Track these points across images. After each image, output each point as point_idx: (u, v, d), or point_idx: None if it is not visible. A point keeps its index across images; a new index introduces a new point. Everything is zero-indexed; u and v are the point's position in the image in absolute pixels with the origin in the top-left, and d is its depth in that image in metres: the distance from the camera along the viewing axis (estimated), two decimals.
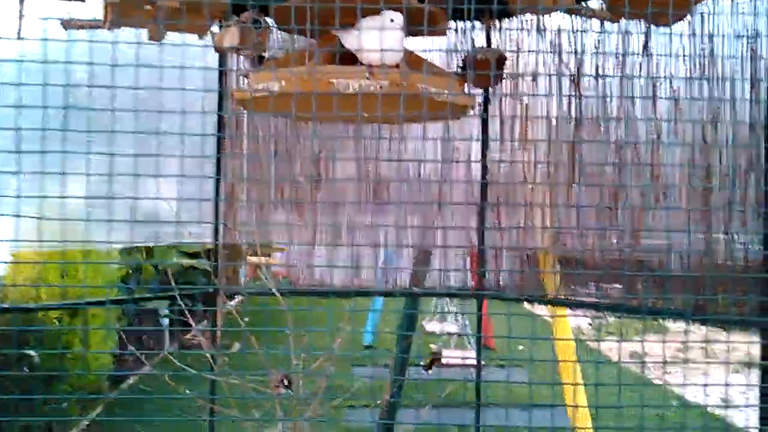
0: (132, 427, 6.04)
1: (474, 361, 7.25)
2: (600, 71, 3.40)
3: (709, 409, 6.83)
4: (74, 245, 5.21)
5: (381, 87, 2.20)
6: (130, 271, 8.38)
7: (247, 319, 3.51)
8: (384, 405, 5.69)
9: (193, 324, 3.64)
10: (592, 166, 3.43)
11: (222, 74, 3.41)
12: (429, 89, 2.29)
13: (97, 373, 6.71)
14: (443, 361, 7.85)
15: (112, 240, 3.93)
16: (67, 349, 6.09)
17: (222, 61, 3.41)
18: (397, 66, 2.28)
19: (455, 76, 2.70)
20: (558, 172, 3.45)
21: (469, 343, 9.09)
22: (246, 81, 2.64)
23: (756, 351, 3.55)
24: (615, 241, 3.39)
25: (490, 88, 3.42)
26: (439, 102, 2.37)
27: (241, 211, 3.61)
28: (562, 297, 3.81)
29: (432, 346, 8.50)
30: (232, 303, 9.53)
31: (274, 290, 3.16)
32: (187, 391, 3.53)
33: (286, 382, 2.84)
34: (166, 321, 8.71)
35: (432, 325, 9.66)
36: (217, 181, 3.36)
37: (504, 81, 3.38)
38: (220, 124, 3.37)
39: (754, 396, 3.27)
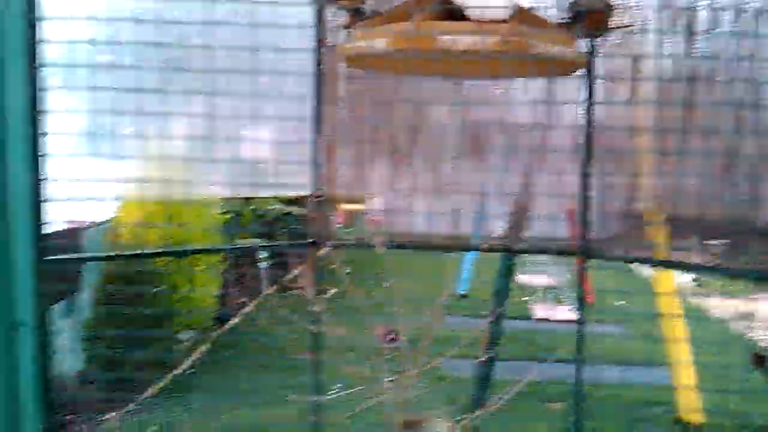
0: (235, 368, 6.34)
1: (572, 316, 7.14)
2: (715, 26, 3.14)
3: None
4: (178, 193, 5.44)
5: (490, 44, 2.10)
6: (230, 218, 8.66)
7: (348, 271, 3.55)
8: (482, 357, 5.68)
9: (291, 269, 3.71)
10: (706, 120, 3.20)
11: (319, 29, 3.37)
12: (541, 47, 2.17)
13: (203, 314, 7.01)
14: (546, 314, 7.76)
15: (216, 190, 4.05)
16: (174, 290, 6.39)
17: (319, 16, 3.37)
18: (505, 21, 2.17)
19: (564, 30, 2.56)
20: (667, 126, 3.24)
21: (560, 298, 8.94)
22: (348, 35, 2.59)
23: None
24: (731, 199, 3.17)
25: (597, 42, 3.24)
26: (549, 59, 2.25)
27: (341, 166, 3.60)
28: (668, 259, 3.64)
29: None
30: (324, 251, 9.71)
31: (376, 242, 3.17)
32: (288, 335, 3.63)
33: (393, 336, 2.85)
34: (264, 265, 8.96)
35: (525, 278, 9.54)
36: (317, 134, 3.36)
37: (611, 34, 3.18)
38: (319, 79, 3.36)
39: None
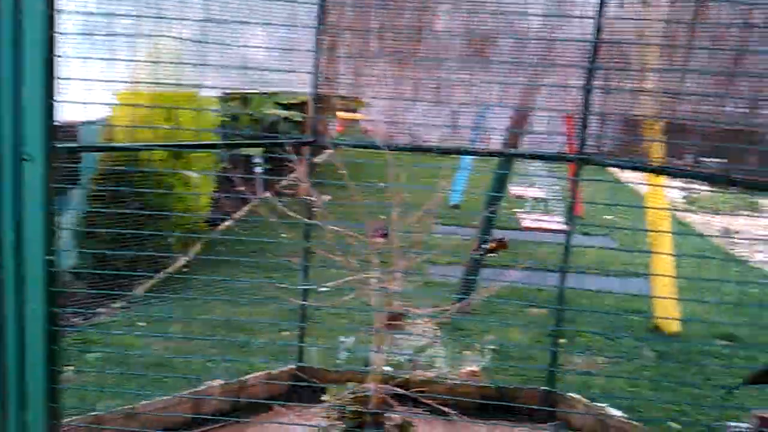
0: (228, 266, 6.48)
1: (560, 227, 7.28)
2: None
3: None
4: (176, 91, 5.39)
5: None
6: (227, 120, 8.61)
7: (343, 171, 3.60)
8: (468, 262, 5.84)
9: (288, 173, 3.76)
10: (715, 29, 3.19)
11: None
12: None
13: (198, 216, 7.09)
14: (530, 225, 7.89)
15: (211, 85, 4.03)
16: (170, 191, 6.44)
17: None
18: None
19: None
20: (678, 33, 3.23)
21: (551, 208, 9.07)
22: None
23: None
24: (731, 109, 3.20)
25: None
26: None
27: (341, 62, 3.57)
28: (662, 166, 3.69)
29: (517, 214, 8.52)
30: (321, 157, 9.72)
31: (375, 144, 3.20)
32: (283, 235, 3.72)
33: (383, 233, 2.93)
34: (259, 169, 8.99)
35: (518, 190, 9.63)
36: (318, 36, 3.33)
37: None
38: None
39: None
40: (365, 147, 3.79)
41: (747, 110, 3.12)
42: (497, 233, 6.79)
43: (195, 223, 7.21)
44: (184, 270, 6.76)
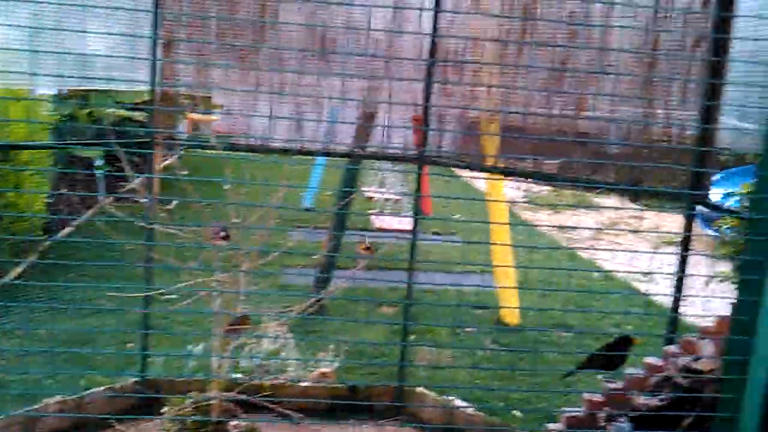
0: (66, 276, 6.06)
1: (409, 227, 7.43)
2: None
3: (631, 281, 7.24)
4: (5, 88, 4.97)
5: None
6: (63, 118, 8.07)
7: (186, 172, 3.46)
8: (320, 264, 5.83)
9: (130, 177, 3.56)
10: (543, 34, 3.37)
11: None
12: None
13: (38, 216, 6.59)
14: (381, 225, 8.00)
15: (41, 82, 3.74)
16: None
17: None
18: None
19: None
20: (509, 36, 3.39)
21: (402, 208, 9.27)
22: None
23: (675, 228, 3.72)
24: (559, 110, 3.39)
25: None
26: None
27: (180, 56, 3.43)
28: (502, 166, 3.86)
29: (371, 217, 8.61)
30: (170, 160, 9.33)
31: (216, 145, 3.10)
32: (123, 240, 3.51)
33: (223, 234, 2.84)
34: (100, 171, 8.50)
35: (371, 191, 9.76)
36: (155, 20, 3.16)
37: None
38: None
39: (670, 270, 3.47)
40: (211, 148, 3.67)
41: (573, 111, 3.33)
42: (351, 235, 6.82)
43: (29, 230, 6.69)
44: (18, 280, 6.24)
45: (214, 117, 6.55)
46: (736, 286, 1.64)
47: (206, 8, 3.34)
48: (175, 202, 3.15)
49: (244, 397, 3.03)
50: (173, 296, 3.42)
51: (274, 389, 3.67)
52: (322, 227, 8.17)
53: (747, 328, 1.55)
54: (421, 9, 3.39)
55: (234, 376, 3.66)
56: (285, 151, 3.71)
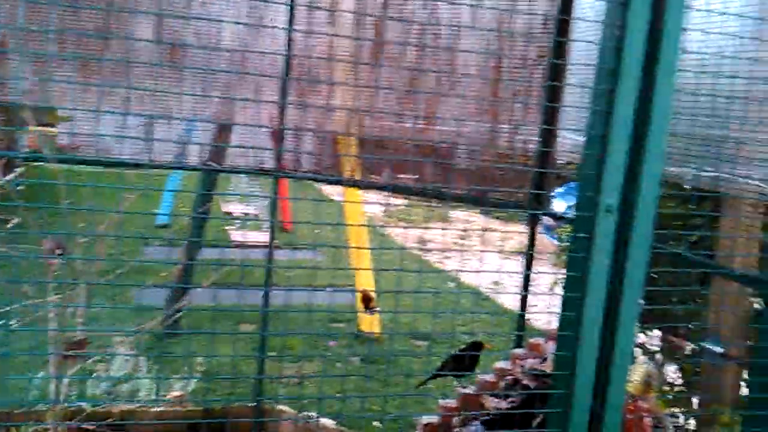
0: None
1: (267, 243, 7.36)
2: None
3: (480, 290, 7.55)
4: None
5: None
6: None
7: (21, 188, 3.21)
8: (174, 283, 5.62)
9: None
10: (394, 47, 3.46)
11: None
12: None
13: None
14: (240, 239, 7.86)
15: None
16: None
17: None
18: None
19: None
20: (362, 50, 3.45)
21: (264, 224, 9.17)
22: None
23: (523, 240, 3.93)
24: (410, 125, 3.50)
25: None
26: None
27: (16, 65, 3.19)
28: (358, 179, 3.91)
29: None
30: (9, 176, 8.66)
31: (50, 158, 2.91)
32: None
33: (59, 251, 2.65)
34: None
35: (230, 206, 9.58)
36: None
37: None
38: None
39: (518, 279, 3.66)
40: (58, 161, 3.45)
41: (423, 126, 3.44)
42: (210, 252, 6.64)
43: None
44: None
45: (54, 130, 6.15)
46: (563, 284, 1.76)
47: (45, 17, 3.13)
48: (17, 220, 2.93)
49: (90, 424, 2.85)
50: (10, 320, 3.17)
51: (125, 415, 3.48)
52: (178, 244, 7.91)
53: (573, 323, 1.66)
54: (273, 27, 3.38)
55: (79, 403, 3.43)
56: (135, 165, 3.55)
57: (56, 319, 2.70)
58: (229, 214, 9.34)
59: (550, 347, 2.72)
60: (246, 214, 9.24)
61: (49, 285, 2.69)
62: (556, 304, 1.77)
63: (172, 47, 3.31)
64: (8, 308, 2.71)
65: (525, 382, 2.63)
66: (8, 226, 2.87)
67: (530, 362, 2.73)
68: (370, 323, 5.88)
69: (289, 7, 3.34)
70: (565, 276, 1.74)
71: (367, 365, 5.39)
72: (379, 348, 5.79)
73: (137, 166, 3.61)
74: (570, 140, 3.48)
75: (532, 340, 2.88)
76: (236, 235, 8.13)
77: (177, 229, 8.90)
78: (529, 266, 3.73)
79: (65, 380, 2.80)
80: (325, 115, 3.55)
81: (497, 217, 9.30)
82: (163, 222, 9.33)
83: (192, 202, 4.41)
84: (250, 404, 3.86)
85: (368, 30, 3.42)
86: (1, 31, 3.11)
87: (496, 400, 2.66)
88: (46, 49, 3.22)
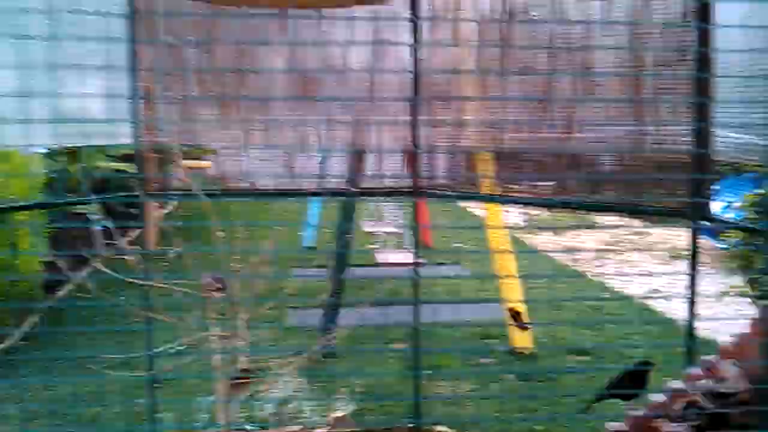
0: (68, 337, 5.96)
1: (411, 260, 7.35)
2: None
3: (640, 299, 7.11)
4: None
5: None
6: (55, 177, 8.03)
7: (180, 224, 3.37)
8: (325, 305, 5.72)
9: (122, 230, 3.48)
10: (523, 60, 3.31)
11: None
12: None
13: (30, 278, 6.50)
14: (385, 260, 7.90)
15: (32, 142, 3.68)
16: None
17: None
18: None
19: None
20: (489, 59, 3.32)
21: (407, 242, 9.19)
22: None
23: (681, 243, 3.62)
24: (547, 134, 3.32)
25: None
26: None
27: (161, 107, 3.35)
28: (498, 194, 3.78)
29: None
30: (167, 210, 9.27)
31: (197, 191, 3.02)
32: (122, 298, 3.40)
33: (219, 286, 2.74)
34: (97, 226, 8.43)
35: (370, 226, 9.69)
36: (133, 74, 3.08)
37: None
38: (133, 18, 3.09)
39: (680, 286, 3.37)
40: (209, 194, 3.61)
41: (562, 135, 3.25)
42: (354, 272, 6.72)
43: (30, 291, 6.59)
44: (24, 343, 6.14)
45: (205, 163, 6.48)
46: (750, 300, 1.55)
47: (184, 58, 3.28)
48: (176, 251, 3.06)
49: None
50: (174, 350, 3.32)
51: None
52: (323, 266, 8.09)
53: None
54: (397, 43, 3.33)
55: (248, 427, 3.53)
56: (281, 194, 3.63)
57: (221, 347, 2.79)
58: (371, 234, 9.43)
59: (728, 367, 2.46)
60: (388, 233, 9.30)
61: (212, 316, 2.78)
62: (724, 312, 1.57)
63: (304, 78, 3.36)
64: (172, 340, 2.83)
65: (703, 405, 2.38)
66: (167, 259, 3.01)
67: (707, 384, 2.48)
68: (523, 338, 5.68)
69: (411, 23, 3.29)
70: (742, 287, 1.54)
71: (523, 383, 5.19)
72: (537, 365, 5.56)
73: (283, 194, 3.69)
74: (725, 136, 3.18)
75: (706, 359, 2.62)
76: (380, 255, 8.18)
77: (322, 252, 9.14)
78: (693, 273, 3.42)
79: (233, 406, 2.88)
80: (459, 131, 3.46)
81: (650, 222, 8.76)
82: (310, 244, 9.60)
83: (334, 226, 4.48)
84: (410, 425, 3.81)
85: (493, 38, 3.30)
86: (146, 77, 3.28)
87: (673, 424, 2.43)
88: (187, 90, 3.38)
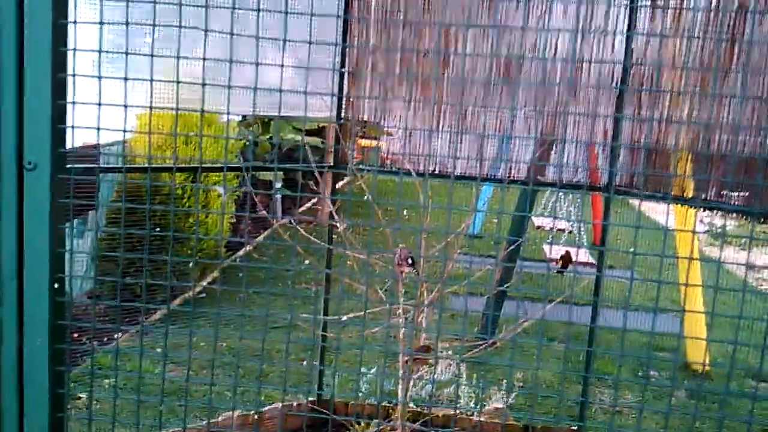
0: (245, 296, 6.37)
1: (588, 260, 7.12)
2: None
3: None
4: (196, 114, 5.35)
5: None
6: (247, 144, 8.60)
7: (367, 197, 3.49)
8: (492, 295, 5.70)
9: (306, 200, 3.65)
10: (752, 57, 3.05)
11: None
12: None
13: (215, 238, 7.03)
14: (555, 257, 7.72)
15: (233, 109, 3.94)
16: (187, 215, 6.39)
17: None
18: None
19: None
20: (713, 56, 3.09)
21: (579, 239, 8.90)
22: None
23: None
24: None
25: None
26: None
27: (364, 84, 3.45)
28: (693, 197, 3.55)
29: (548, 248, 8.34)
30: (340, 183, 9.60)
31: (395, 170, 3.10)
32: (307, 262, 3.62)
33: (410, 261, 2.81)
34: (279, 194, 8.93)
35: (541, 220, 9.46)
36: (343, 49, 3.21)
37: None
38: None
39: None
40: (389, 173, 3.70)
41: None
42: (523, 265, 6.63)
43: (215, 248, 7.13)
44: (202, 296, 6.66)
45: (381, 143, 6.64)
46: None
47: (391, 37, 3.35)
48: (348, 224, 3.17)
49: (425, 429, 2.97)
50: (346, 319, 3.46)
51: (446, 420, 3.58)
52: (487, 255, 8.04)
53: None
54: (613, 33, 3.20)
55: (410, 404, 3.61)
56: (466, 178, 3.64)
57: (405, 323, 2.86)
58: (540, 228, 9.22)
59: None
60: (560, 229, 9.03)
61: (399, 291, 2.86)
62: None
63: (507, 62, 3.32)
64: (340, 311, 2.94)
65: None
66: (343, 228, 3.13)
67: None
68: (699, 354, 5.34)
69: (628, 10, 3.14)
70: None
71: (694, 401, 4.89)
72: (712, 385, 5.22)
73: (468, 179, 3.70)
74: None
75: None
76: (549, 250, 7.99)
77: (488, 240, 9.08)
78: None
79: (408, 383, 2.95)
80: (663, 129, 3.27)
81: None
82: (477, 231, 9.57)
83: (504, 213, 4.43)
84: (573, 427, 3.72)
85: (720, 31, 3.06)
86: (355, 53, 3.39)
87: None
88: (390, 69, 3.45)
